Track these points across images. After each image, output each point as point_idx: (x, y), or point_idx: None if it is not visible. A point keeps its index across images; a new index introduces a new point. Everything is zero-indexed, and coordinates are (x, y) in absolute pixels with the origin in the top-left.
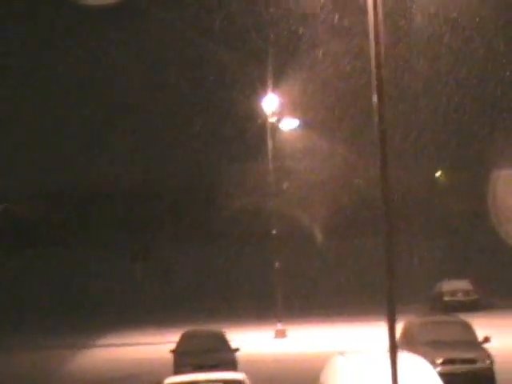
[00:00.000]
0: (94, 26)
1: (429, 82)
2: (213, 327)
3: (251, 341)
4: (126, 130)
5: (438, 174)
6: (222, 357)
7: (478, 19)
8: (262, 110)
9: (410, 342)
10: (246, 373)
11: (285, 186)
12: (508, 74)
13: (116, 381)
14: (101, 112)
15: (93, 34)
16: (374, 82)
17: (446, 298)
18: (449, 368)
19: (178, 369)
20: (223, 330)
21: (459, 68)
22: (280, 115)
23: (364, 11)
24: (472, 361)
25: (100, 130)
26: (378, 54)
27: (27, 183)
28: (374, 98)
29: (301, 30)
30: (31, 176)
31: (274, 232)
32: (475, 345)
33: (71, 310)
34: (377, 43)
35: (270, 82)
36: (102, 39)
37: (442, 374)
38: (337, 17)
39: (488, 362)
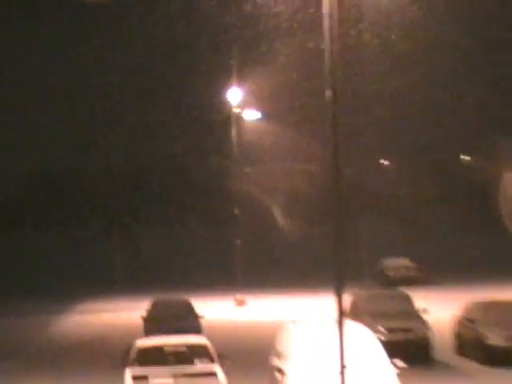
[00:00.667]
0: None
1: (380, 77)
2: (180, 296)
3: (214, 308)
4: (100, 118)
5: (384, 161)
6: (187, 322)
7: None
8: (227, 102)
9: (357, 312)
10: (209, 337)
11: (247, 170)
12: (457, 66)
13: (93, 343)
14: (79, 98)
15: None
16: (329, 78)
17: (390, 274)
18: (390, 336)
19: (148, 333)
20: (189, 298)
21: (410, 59)
22: (243, 107)
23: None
24: (411, 330)
25: (77, 116)
26: (332, 52)
27: (5, 165)
28: (328, 94)
29: (263, 28)
30: (10, 158)
31: (237, 212)
32: (414, 315)
33: (53, 281)
34: (332, 40)
35: (234, 77)
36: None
37: (383, 342)
38: (296, 14)
39: (425, 331)
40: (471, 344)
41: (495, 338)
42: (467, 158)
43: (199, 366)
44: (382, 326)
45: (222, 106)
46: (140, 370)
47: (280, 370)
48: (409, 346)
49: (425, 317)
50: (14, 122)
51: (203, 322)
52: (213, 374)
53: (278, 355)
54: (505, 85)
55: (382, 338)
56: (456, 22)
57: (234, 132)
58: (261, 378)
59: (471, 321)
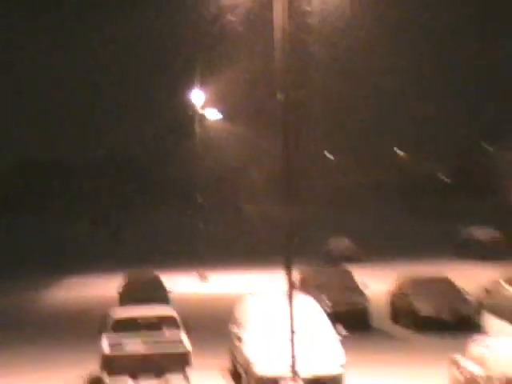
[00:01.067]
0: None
1: (328, 78)
2: (151, 272)
3: (181, 283)
4: (80, 114)
5: (328, 155)
6: (157, 295)
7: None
8: (191, 103)
9: (305, 286)
10: (176, 308)
11: (210, 164)
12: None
13: (76, 312)
14: (64, 92)
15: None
16: (281, 82)
17: (333, 252)
18: (334, 307)
19: (123, 304)
20: (159, 273)
21: (355, 60)
22: (205, 107)
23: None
24: (352, 301)
25: (61, 110)
26: (283, 61)
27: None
28: (280, 96)
29: (223, 34)
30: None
31: (200, 201)
32: (355, 289)
33: (43, 260)
34: (283, 48)
35: (198, 80)
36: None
37: (328, 312)
38: (252, 19)
39: (364, 302)
40: (404, 314)
41: (424, 309)
42: (401, 152)
43: (167, 333)
44: (327, 298)
45: (187, 107)
46: (115, 337)
47: (238, 337)
48: (350, 316)
49: (364, 290)
50: (10, 116)
51: (171, 295)
52: (179, 341)
53: (237, 324)
54: (441, 92)
55: (327, 308)
56: (406, 29)
57: (197, 130)
58: (221, 343)
59: (404, 294)
